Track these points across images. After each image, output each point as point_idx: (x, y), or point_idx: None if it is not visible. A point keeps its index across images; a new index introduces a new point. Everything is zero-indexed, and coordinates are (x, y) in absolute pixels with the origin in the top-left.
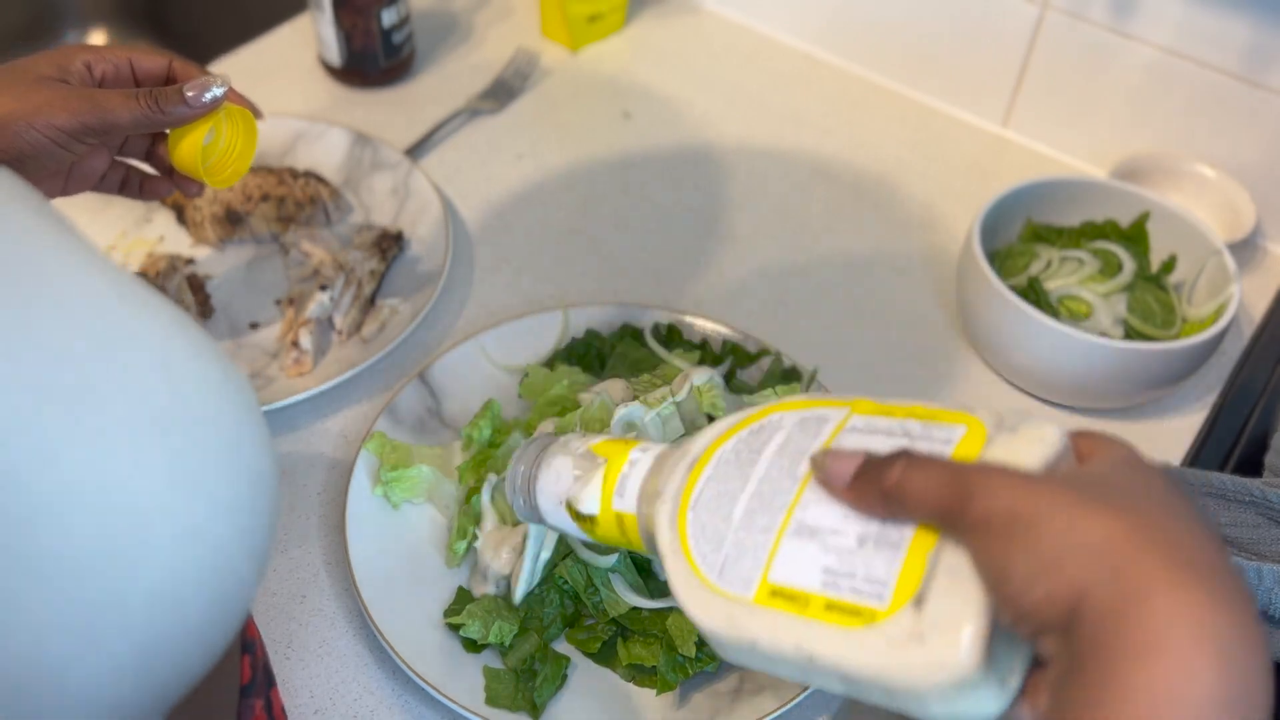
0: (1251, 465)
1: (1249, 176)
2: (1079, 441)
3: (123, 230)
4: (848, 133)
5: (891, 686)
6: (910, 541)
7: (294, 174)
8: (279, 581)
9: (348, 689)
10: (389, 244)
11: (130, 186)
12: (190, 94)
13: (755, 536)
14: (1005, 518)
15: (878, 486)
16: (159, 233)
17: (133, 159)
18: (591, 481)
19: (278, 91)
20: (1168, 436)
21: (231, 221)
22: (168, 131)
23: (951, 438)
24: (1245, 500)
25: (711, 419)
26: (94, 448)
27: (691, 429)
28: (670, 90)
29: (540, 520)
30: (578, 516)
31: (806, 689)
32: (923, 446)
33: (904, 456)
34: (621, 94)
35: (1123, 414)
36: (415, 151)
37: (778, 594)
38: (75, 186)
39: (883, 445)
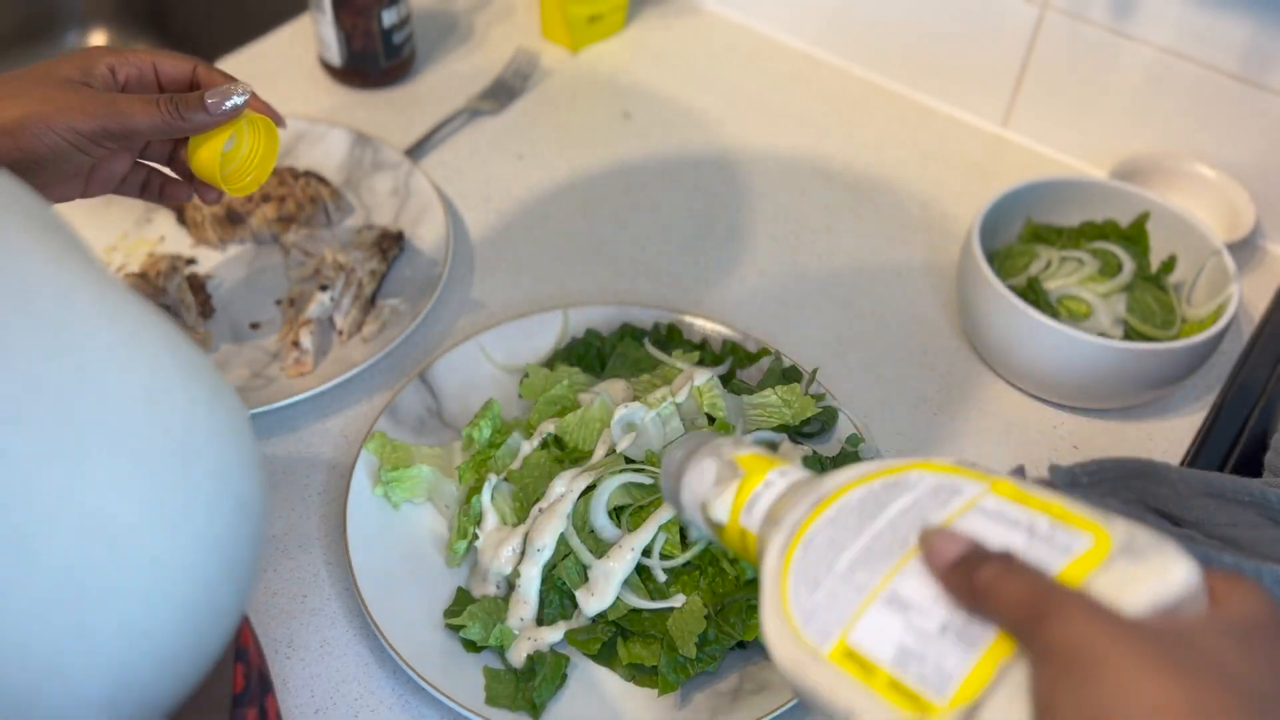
0: (1251, 465)
1: (1249, 176)
2: (1215, 583)
3: (123, 231)
4: (848, 133)
5: None
6: (989, 645)
7: (294, 174)
8: (279, 581)
9: (348, 689)
10: (389, 244)
11: (150, 190)
12: (211, 101)
13: (849, 593)
14: (1070, 652)
15: (970, 579)
16: (159, 233)
17: (154, 163)
18: (727, 491)
19: (278, 92)
20: (1167, 436)
21: (232, 221)
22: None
23: (1072, 547)
24: (1245, 500)
25: (711, 419)
26: (67, 474)
27: (691, 429)
28: (670, 90)
29: (679, 509)
30: (709, 520)
31: None
32: (1039, 550)
33: (1005, 558)
34: (621, 94)
35: (1123, 414)
36: (415, 152)
37: (850, 656)
38: (96, 189)
39: (1002, 536)
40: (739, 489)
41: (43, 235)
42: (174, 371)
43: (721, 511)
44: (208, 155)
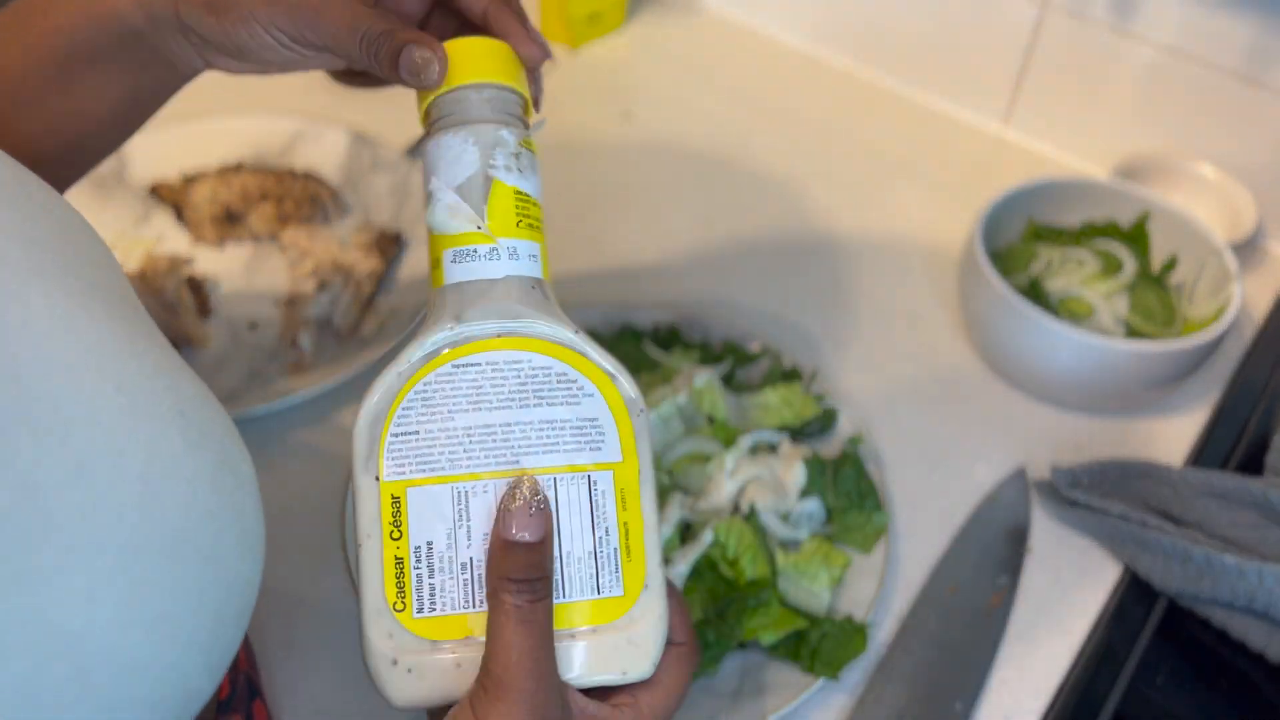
0: (1252, 465)
1: (1250, 176)
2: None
3: (121, 230)
4: (848, 132)
5: None
6: (477, 614)
7: (293, 174)
8: (278, 582)
9: (348, 689)
10: (388, 244)
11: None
12: (403, 67)
13: (438, 452)
14: (496, 687)
15: (499, 573)
16: (157, 232)
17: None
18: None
19: (277, 91)
20: (1168, 436)
21: (230, 221)
22: None
23: (605, 588)
24: (1246, 500)
25: (712, 419)
26: (33, 592)
27: (691, 429)
28: (670, 88)
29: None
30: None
31: (807, 689)
32: (577, 565)
33: (535, 592)
34: (621, 93)
35: (1124, 414)
36: (415, 151)
37: (395, 503)
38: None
39: (572, 525)
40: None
41: (51, 274)
42: (179, 447)
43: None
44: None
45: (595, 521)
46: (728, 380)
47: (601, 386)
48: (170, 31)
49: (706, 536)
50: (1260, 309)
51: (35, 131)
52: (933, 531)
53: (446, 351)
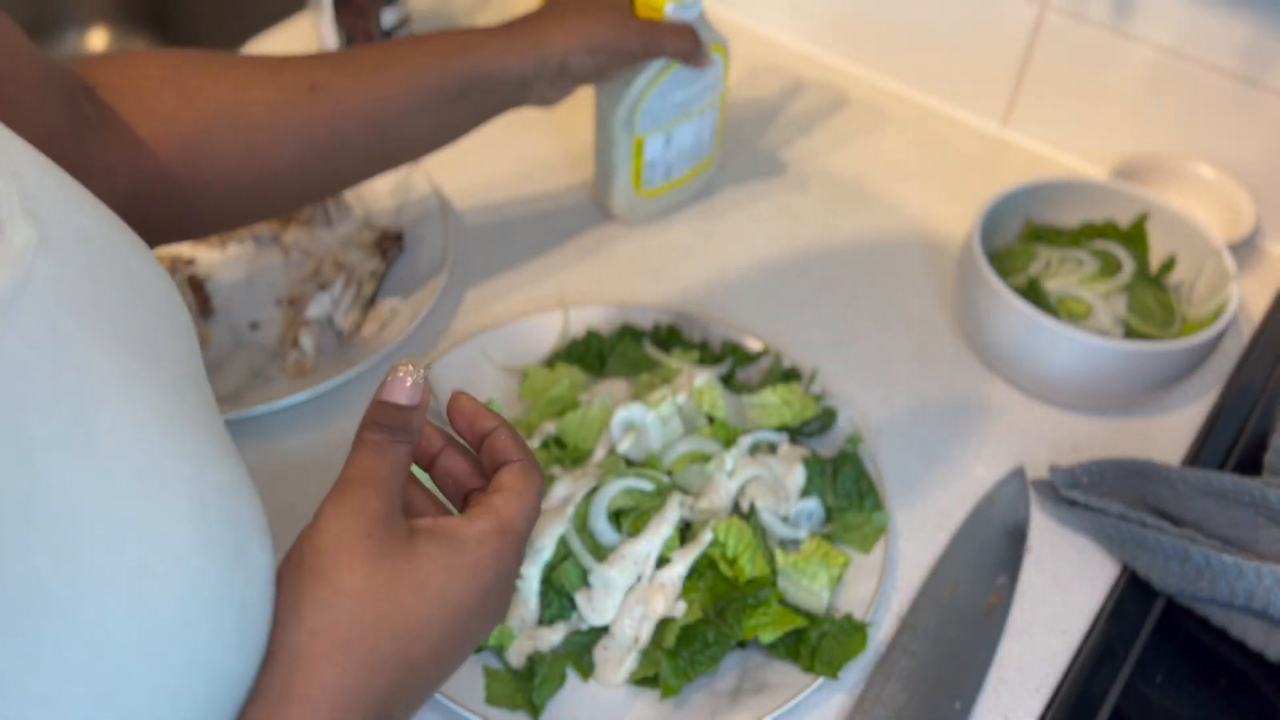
0: (1251, 465)
1: (1249, 177)
2: (501, 475)
3: None
4: (848, 132)
5: None
6: None
7: None
8: None
9: None
10: (389, 244)
11: None
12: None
13: None
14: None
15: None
16: None
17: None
18: None
19: None
20: (1167, 436)
21: None
22: None
23: None
24: (1245, 500)
25: (712, 419)
26: None
27: (691, 429)
28: None
29: None
30: None
31: (806, 688)
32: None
33: (399, 431)
34: None
35: (1123, 414)
36: None
37: None
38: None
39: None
40: None
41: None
42: (188, 542)
43: None
44: None
45: None
46: (728, 380)
47: None
48: (552, 75)
49: (706, 536)
50: (1258, 309)
51: (370, 155)
52: (932, 531)
53: None
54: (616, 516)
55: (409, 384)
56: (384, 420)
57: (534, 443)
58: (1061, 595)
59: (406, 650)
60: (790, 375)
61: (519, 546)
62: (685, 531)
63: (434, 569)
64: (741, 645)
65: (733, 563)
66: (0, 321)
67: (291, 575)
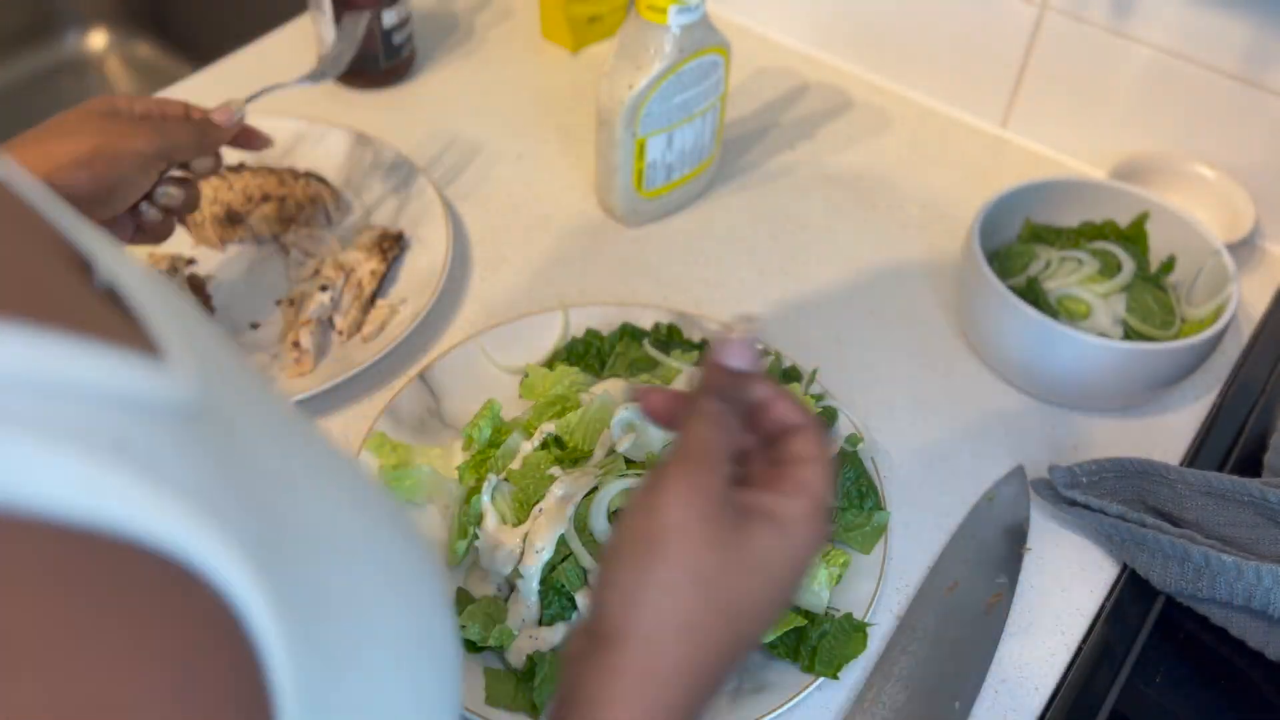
0: (1250, 465)
1: (1248, 177)
2: (794, 444)
3: None
4: (848, 133)
5: None
6: None
7: (295, 174)
8: None
9: None
10: (389, 244)
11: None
12: (222, 116)
13: None
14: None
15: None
16: None
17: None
18: None
19: (278, 91)
20: (1167, 436)
21: (232, 222)
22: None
23: None
24: (1244, 500)
25: None
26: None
27: None
28: None
29: None
30: None
31: (806, 688)
32: None
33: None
34: None
35: (1122, 414)
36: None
37: None
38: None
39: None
40: None
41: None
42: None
43: None
44: None
45: None
46: None
47: None
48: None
49: None
50: (1258, 309)
51: None
52: (931, 531)
53: None
54: (616, 516)
55: (745, 348)
56: (726, 388)
57: (534, 443)
58: (1061, 595)
59: (736, 627)
60: (790, 375)
61: (829, 514)
62: None
63: (764, 552)
64: None
65: None
66: None
67: (637, 555)
